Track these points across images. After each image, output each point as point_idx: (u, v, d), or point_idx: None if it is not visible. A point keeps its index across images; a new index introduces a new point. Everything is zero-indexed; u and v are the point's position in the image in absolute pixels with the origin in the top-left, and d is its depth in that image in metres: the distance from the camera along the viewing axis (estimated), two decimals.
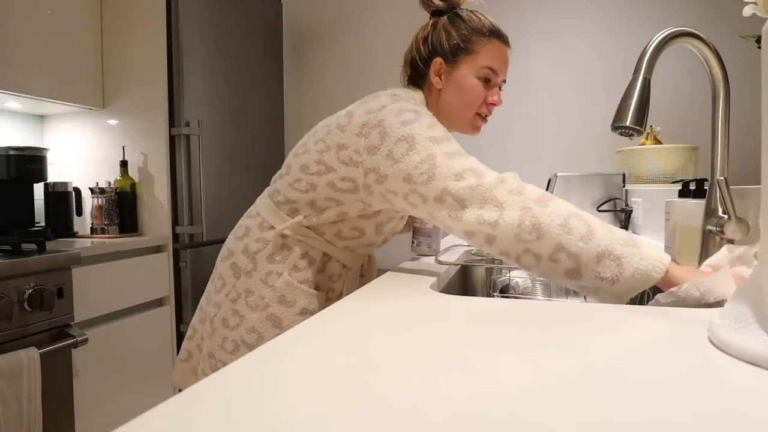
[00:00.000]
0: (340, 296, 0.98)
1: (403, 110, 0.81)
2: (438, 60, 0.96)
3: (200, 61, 1.83)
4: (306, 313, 0.90)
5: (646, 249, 0.64)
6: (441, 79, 0.95)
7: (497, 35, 0.95)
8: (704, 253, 0.82)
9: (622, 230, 0.68)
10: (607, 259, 0.64)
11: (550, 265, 0.68)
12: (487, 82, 0.94)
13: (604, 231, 0.66)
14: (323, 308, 0.93)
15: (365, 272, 1.09)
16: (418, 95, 0.96)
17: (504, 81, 0.97)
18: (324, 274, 0.95)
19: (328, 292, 0.96)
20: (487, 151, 2.31)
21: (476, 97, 0.94)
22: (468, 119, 0.96)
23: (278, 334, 0.85)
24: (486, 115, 0.98)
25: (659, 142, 1.79)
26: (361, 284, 1.03)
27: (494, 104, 0.95)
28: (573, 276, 0.67)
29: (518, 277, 1.00)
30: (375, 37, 2.42)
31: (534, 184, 2.35)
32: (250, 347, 0.88)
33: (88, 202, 1.77)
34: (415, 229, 1.07)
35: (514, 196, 0.72)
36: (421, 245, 1.04)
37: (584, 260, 0.65)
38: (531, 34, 2.23)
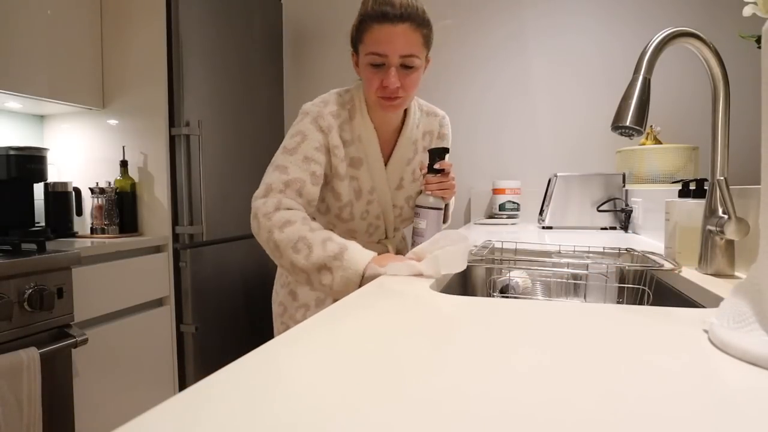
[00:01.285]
0: None
1: (296, 123, 1.03)
2: (352, 52, 1.03)
3: (200, 61, 1.83)
4: (301, 305, 1.14)
5: (349, 259, 0.83)
6: (357, 70, 1.03)
7: (376, 18, 0.93)
8: (704, 253, 0.82)
9: (336, 244, 0.86)
10: (324, 270, 0.84)
11: (294, 276, 0.89)
12: (379, 66, 0.95)
13: (320, 249, 0.84)
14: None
15: None
16: (353, 90, 1.08)
17: (407, 56, 0.94)
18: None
19: None
20: (487, 151, 2.31)
21: (370, 84, 0.98)
22: (375, 102, 1.01)
23: (297, 307, 1.12)
24: (389, 96, 0.98)
25: (659, 142, 1.79)
26: None
27: (387, 86, 0.95)
28: (308, 284, 0.88)
29: (518, 277, 1.00)
30: None
31: (534, 184, 2.36)
32: (278, 317, 1.16)
33: (88, 202, 1.77)
34: (413, 229, 1.08)
35: (265, 220, 0.90)
36: (416, 245, 1.01)
37: (310, 273, 0.85)
38: (530, 32, 2.23)
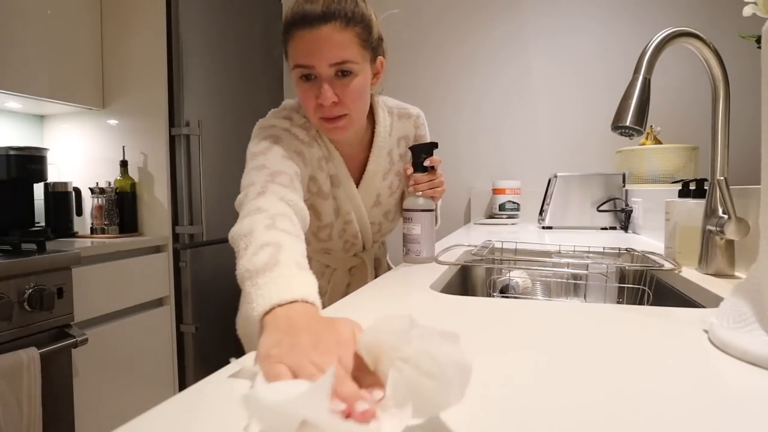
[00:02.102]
0: (326, 293, 1.05)
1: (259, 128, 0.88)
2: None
3: (200, 61, 1.83)
4: None
5: (264, 284, 0.52)
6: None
7: (295, 23, 0.77)
8: (704, 253, 0.82)
9: (267, 253, 0.57)
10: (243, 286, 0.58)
11: None
12: (310, 80, 0.80)
13: (246, 260, 0.58)
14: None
15: (379, 272, 1.15)
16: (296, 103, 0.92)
17: (339, 63, 0.77)
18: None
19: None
20: (487, 151, 2.31)
21: (306, 104, 0.82)
22: (317, 124, 0.85)
23: None
24: (329, 117, 0.82)
25: (659, 142, 1.79)
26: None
27: (322, 104, 0.79)
28: None
29: (518, 277, 1.00)
30: None
31: (534, 184, 2.35)
32: None
33: (88, 202, 1.77)
34: (403, 235, 0.98)
35: (254, 214, 0.67)
36: (410, 253, 0.96)
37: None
38: (531, 32, 2.23)
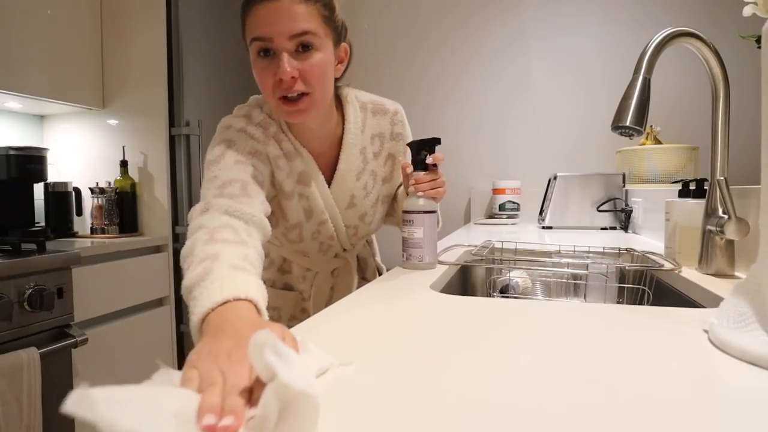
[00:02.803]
0: (309, 297, 1.04)
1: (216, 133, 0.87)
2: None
3: (200, 61, 1.83)
4: (273, 308, 1.02)
5: (198, 295, 0.50)
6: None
7: None
8: (704, 253, 0.82)
9: (202, 266, 0.55)
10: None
11: None
12: (267, 56, 0.76)
13: (186, 279, 0.56)
14: (296, 306, 1.06)
15: (367, 275, 1.14)
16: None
17: (299, 35, 0.73)
18: (292, 276, 1.05)
19: (301, 293, 1.05)
20: (487, 151, 2.31)
21: (263, 83, 0.78)
22: (277, 110, 0.80)
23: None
24: (288, 96, 0.77)
25: (659, 142, 1.79)
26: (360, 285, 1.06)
27: (281, 79, 0.74)
28: None
29: (518, 277, 1.00)
30: (373, 37, 2.42)
31: (534, 184, 2.36)
32: None
33: (88, 202, 1.77)
34: (403, 239, 0.90)
35: (195, 233, 0.64)
36: (411, 258, 0.88)
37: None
38: (531, 32, 2.23)
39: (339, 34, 0.82)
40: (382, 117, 0.95)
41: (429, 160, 0.87)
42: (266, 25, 0.73)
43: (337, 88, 0.89)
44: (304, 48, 0.75)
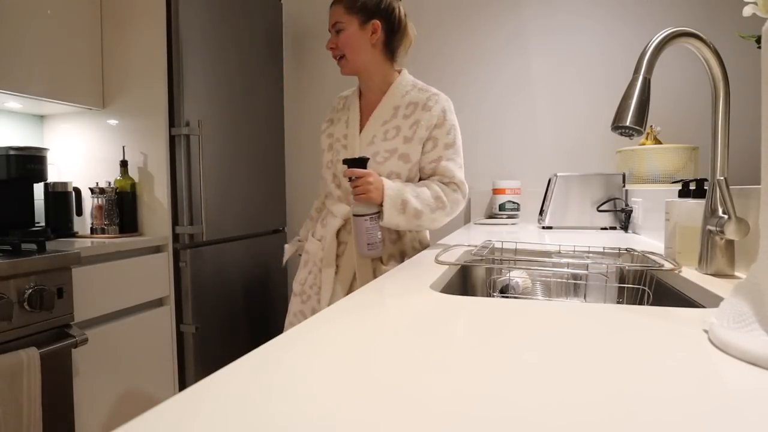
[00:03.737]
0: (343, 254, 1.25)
1: None
2: None
3: (200, 61, 1.83)
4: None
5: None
6: None
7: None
8: (704, 253, 0.82)
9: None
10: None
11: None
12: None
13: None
14: (327, 255, 1.26)
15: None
16: None
17: (334, 24, 1.24)
18: (326, 229, 1.29)
19: (338, 247, 1.27)
20: (487, 151, 2.31)
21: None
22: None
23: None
24: (335, 57, 1.27)
25: (659, 142, 1.79)
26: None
27: (329, 48, 1.26)
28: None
29: (518, 277, 1.00)
30: None
31: (534, 184, 2.36)
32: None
33: (88, 202, 1.77)
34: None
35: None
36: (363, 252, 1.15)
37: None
38: (530, 31, 2.23)
39: (367, 15, 1.21)
40: (423, 93, 1.26)
41: (345, 173, 1.15)
42: (328, 16, 1.27)
43: (391, 60, 1.28)
44: (337, 31, 1.24)
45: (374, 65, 1.25)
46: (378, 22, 1.21)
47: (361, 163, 1.14)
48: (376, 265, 1.22)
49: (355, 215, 1.13)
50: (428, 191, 1.18)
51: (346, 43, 1.22)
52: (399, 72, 1.30)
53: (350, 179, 1.14)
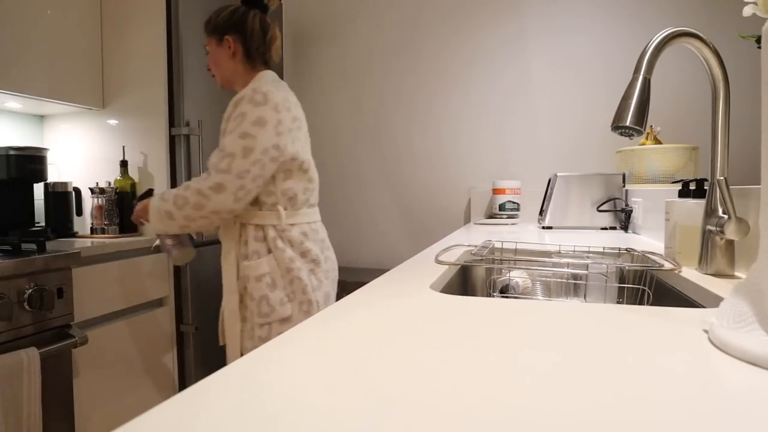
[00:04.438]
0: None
1: None
2: None
3: (200, 61, 1.83)
4: None
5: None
6: None
7: None
8: (704, 253, 0.82)
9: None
10: None
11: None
12: None
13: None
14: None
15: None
16: None
17: (205, 49, 1.34)
18: None
19: None
20: (488, 151, 2.31)
21: None
22: None
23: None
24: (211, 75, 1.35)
25: (659, 142, 1.79)
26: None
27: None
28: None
29: (518, 277, 1.00)
30: (374, 37, 2.43)
31: (534, 184, 2.36)
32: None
33: (88, 202, 1.77)
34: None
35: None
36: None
37: None
38: (530, 32, 2.23)
39: (220, 33, 1.28)
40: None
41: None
42: None
43: (259, 67, 1.32)
44: (207, 53, 1.33)
45: (237, 76, 1.31)
46: (230, 37, 1.27)
47: (144, 195, 1.29)
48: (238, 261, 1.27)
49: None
50: (183, 190, 1.18)
51: (211, 62, 1.31)
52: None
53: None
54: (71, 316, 1.31)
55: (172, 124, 1.75)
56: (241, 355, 1.23)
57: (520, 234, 1.58)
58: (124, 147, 1.77)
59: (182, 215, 1.17)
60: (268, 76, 1.28)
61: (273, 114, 1.16)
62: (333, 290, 1.35)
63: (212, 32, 1.29)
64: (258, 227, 1.23)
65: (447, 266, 0.92)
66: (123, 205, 1.74)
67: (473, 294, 1.11)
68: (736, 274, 0.82)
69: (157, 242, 1.29)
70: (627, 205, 1.72)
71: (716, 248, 0.81)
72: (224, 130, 1.21)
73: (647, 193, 1.51)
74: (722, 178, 0.80)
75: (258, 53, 1.30)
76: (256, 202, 1.23)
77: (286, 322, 1.22)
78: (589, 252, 1.08)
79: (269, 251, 1.23)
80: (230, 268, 1.25)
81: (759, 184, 0.53)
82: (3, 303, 1.12)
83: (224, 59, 1.29)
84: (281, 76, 2.40)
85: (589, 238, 1.42)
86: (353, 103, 2.48)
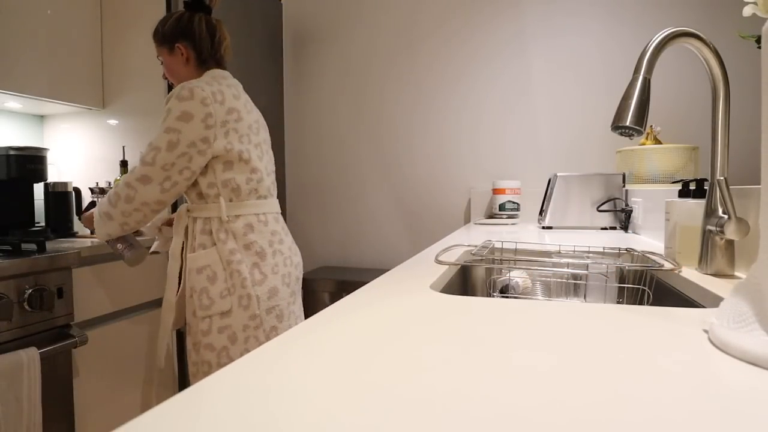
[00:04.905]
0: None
1: None
2: None
3: None
4: None
5: None
6: None
7: None
8: (704, 253, 0.82)
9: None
10: None
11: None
12: None
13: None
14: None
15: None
16: None
17: (158, 59, 1.34)
18: None
19: None
20: (488, 151, 2.31)
21: None
22: None
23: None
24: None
25: (659, 142, 1.79)
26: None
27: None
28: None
29: (518, 277, 1.00)
30: (375, 37, 2.43)
31: (534, 184, 2.36)
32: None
33: (89, 202, 1.77)
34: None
35: None
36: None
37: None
38: (530, 32, 2.23)
39: (170, 42, 1.29)
40: None
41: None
42: None
43: (212, 67, 1.32)
44: (161, 63, 1.33)
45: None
46: (181, 44, 1.28)
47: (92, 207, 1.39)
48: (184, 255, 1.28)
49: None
50: (111, 190, 1.24)
51: (167, 71, 1.33)
52: None
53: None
54: (71, 316, 1.31)
55: None
56: (187, 349, 1.25)
57: (520, 234, 1.58)
58: (124, 147, 1.77)
59: (118, 212, 1.20)
60: (210, 73, 1.29)
61: (200, 108, 1.17)
62: (285, 286, 1.28)
63: (162, 42, 1.30)
64: (206, 220, 1.23)
65: (447, 266, 0.92)
66: None
67: (473, 294, 1.11)
68: (736, 274, 0.82)
69: (114, 247, 1.32)
70: (627, 205, 1.72)
71: (716, 248, 0.81)
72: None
73: (647, 193, 1.51)
74: (722, 178, 0.80)
75: (210, 55, 1.31)
76: (202, 195, 1.23)
77: (226, 316, 1.19)
78: (589, 252, 1.08)
79: (213, 244, 1.22)
80: (174, 260, 1.27)
81: (759, 184, 0.53)
82: (3, 303, 1.12)
83: (179, 67, 1.30)
84: (281, 77, 2.40)
85: (589, 238, 1.42)
86: (353, 103, 2.48)
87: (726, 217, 0.78)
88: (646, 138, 1.82)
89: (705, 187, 0.89)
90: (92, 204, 1.35)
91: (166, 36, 1.29)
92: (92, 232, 1.31)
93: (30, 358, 1.14)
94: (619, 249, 1.07)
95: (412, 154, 2.42)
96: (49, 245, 1.40)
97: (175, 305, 1.27)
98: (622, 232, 1.67)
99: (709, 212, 0.82)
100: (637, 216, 1.61)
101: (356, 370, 0.40)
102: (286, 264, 1.30)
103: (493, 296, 0.97)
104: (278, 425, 0.31)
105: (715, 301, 0.68)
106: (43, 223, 1.73)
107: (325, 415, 0.32)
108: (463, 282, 1.07)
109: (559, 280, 1.06)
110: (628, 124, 0.74)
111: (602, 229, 1.74)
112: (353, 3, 2.45)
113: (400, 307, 0.61)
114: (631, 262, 1.04)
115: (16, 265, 1.16)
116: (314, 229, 2.58)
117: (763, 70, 0.50)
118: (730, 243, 0.80)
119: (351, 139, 2.50)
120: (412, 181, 2.42)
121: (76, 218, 1.79)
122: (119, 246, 1.30)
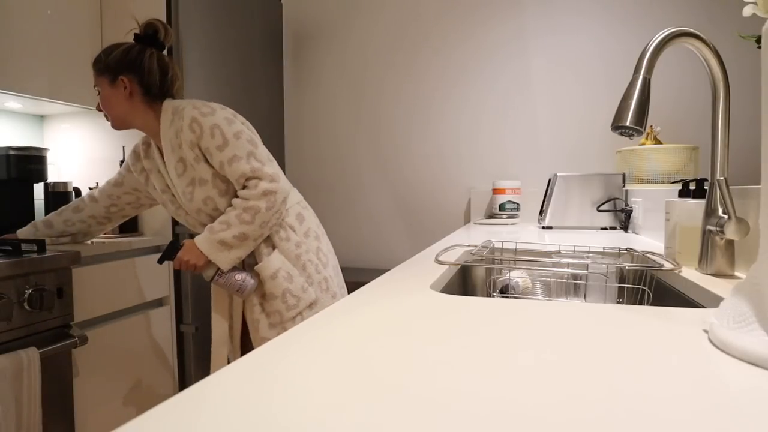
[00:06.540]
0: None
1: None
2: None
3: (200, 61, 1.83)
4: None
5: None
6: None
7: None
8: (704, 253, 0.82)
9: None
10: None
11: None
12: None
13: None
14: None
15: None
16: None
17: (95, 89, 1.28)
18: None
19: None
20: (488, 151, 2.31)
21: None
22: None
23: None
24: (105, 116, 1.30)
25: (659, 142, 1.79)
26: None
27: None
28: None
29: (518, 277, 1.00)
30: (375, 38, 2.43)
31: (534, 184, 2.36)
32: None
33: None
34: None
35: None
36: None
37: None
38: (530, 32, 2.23)
39: (113, 73, 1.23)
40: (177, 115, 1.22)
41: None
42: None
43: (161, 102, 1.26)
44: (98, 93, 1.27)
45: (135, 116, 1.26)
46: (125, 77, 1.23)
47: (172, 249, 1.21)
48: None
49: (211, 283, 1.23)
50: (233, 212, 1.16)
51: (103, 103, 1.26)
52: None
53: (168, 259, 1.23)
54: (71, 316, 1.31)
55: None
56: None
57: (520, 234, 1.58)
58: (124, 147, 1.77)
59: (256, 226, 1.16)
60: (173, 102, 1.25)
61: (227, 112, 1.23)
62: (337, 262, 1.37)
63: (103, 71, 1.24)
64: None
65: (447, 266, 0.92)
66: None
67: (473, 294, 1.11)
68: (736, 274, 0.82)
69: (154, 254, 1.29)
70: (627, 205, 1.72)
71: (716, 248, 0.81)
72: (204, 148, 1.19)
73: (647, 193, 1.51)
74: (722, 178, 0.80)
75: (160, 92, 1.26)
76: None
77: (314, 305, 1.24)
78: (589, 252, 1.08)
79: (273, 247, 1.24)
80: (220, 290, 1.29)
81: (759, 184, 0.53)
82: (3, 303, 1.12)
83: (119, 100, 1.24)
84: (281, 77, 2.40)
85: (589, 238, 1.42)
86: (353, 103, 2.48)
87: (726, 217, 0.78)
88: (646, 138, 1.82)
89: (705, 187, 0.89)
90: (173, 244, 1.24)
91: (110, 67, 1.23)
92: (195, 269, 1.20)
93: (30, 358, 1.14)
94: (619, 249, 1.07)
95: (411, 153, 2.42)
96: (49, 245, 1.40)
97: (228, 338, 1.33)
98: (622, 232, 1.67)
99: (709, 212, 0.82)
100: (637, 216, 1.61)
101: (356, 369, 0.40)
102: (329, 243, 1.38)
103: (493, 296, 0.97)
104: (279, 425, 0.31)
105: (715, 301, 0.68)
106: None
107: (326, 414, 0.32)
108: (463, 282, 1.07)
109: (559, 280, 1.06)
110: (628, 124, 0.74)
111: (602, 229, 1.74)
112: (353, 3, 2.45)
113: (400, 307, 0.61)
114: (631, 262, 1.04)
115: (16, 265, 1.16)
116: None
117: (763, 70, 0.50)
118: (730, 243, 0.80)
119: (351, 139, 2.50)
120: (412, 181, 2.42)
121: None
122: (238, 277, 1.20)
